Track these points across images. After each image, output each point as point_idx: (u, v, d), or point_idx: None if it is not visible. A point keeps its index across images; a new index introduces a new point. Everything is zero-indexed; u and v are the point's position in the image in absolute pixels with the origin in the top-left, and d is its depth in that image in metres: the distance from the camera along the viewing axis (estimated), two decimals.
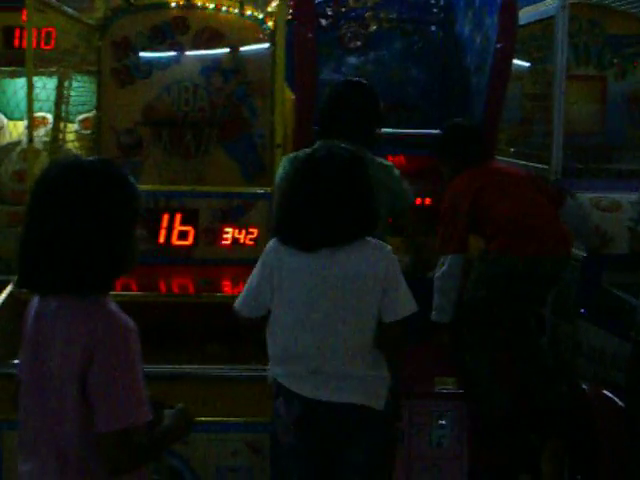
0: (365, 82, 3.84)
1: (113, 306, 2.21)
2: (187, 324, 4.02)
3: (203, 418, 3.60)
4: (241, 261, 4.12)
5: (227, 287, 4.19)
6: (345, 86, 3.85)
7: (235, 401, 3.73)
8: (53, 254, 2.14)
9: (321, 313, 3.02)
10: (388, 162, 3.79)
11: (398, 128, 4.82)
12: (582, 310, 4.61)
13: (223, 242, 4.40)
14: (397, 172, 3.76)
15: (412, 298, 3.08)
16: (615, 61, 5.76)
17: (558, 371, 4.43)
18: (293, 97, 4.59)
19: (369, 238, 3.08)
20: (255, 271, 3.15)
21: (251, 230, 4.40)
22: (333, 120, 3.70)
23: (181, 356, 3.93)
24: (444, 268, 4.21)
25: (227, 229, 4.40)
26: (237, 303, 3.17)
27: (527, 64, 5.58)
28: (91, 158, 2.33)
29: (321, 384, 3.05)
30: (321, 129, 3.74)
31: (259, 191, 4.50)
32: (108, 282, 2.24)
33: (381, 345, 3.08)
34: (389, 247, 3.11)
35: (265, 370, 3.26)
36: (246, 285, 3.18)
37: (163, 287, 4.24)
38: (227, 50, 4.92)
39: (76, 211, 2.14)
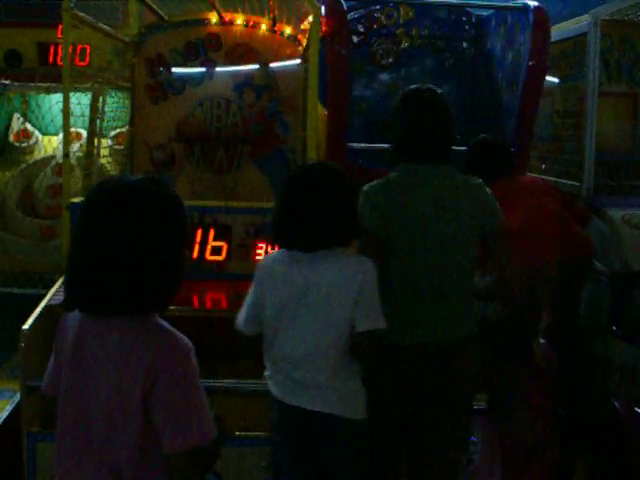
0: (438, 92, 3.62)
1: (169, 326, 2.21)
2: (220, 339, 4.04)
3: (237, 433, 3.64)
4: None
5: None
6: (425, 104, 3.52)
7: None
8: (108, 275, 2.12)
9: (299, 321, 3.08)
10: (477, 180, 3.70)
11: None
12: (614, 327, 4.61)
13: (256, 257, 4.39)
14: (488, 190, 3.69)
15: (382, 315, 3.12)
16: None
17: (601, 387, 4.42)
18: (325, 113, 4.61)
19: (354, 254, 3.16)
20: (250, 289, 3.23)
21: None
22: (417, 144, 3.54)
23: (214, 371, 3.95)
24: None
25: (260, 244, 4.42)
26: (238, 322, 3.24)
27: (558, 81, 5.58)
28: (141, 176, 2.29)
29: (297, 391, 3.12)
30: (402, 150, 3.65)
31: None
32: (164, 302, 2.24)
33: (351, 354, 3.14)
34: (368, 261, 3.14)
35: None
36: (244, 303, 3.24)
37: (196, 302, 4.26)
38: (259, 66, 4.97)
39: (130, 231, 2.13)
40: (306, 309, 3.07)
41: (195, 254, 4.40)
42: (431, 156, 3.49)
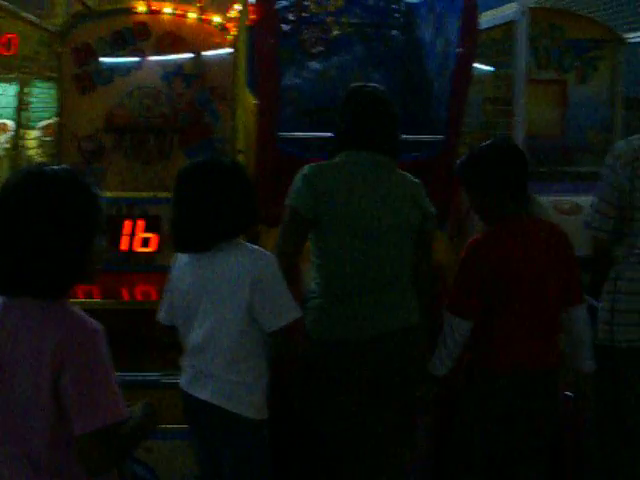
0: (383, 90, 3.75)
1: (77, 310, 2.26)
2: (150, 331, 4.00)
3: (168, 425, 3.61)
4: None
5: None
6: (369, 97, 3.68)
7: None
8: (11, 256, 2.19)
9: (200, 312, 3.14)
10: (416, 179, 3.69)
11: None
12: None
13: None
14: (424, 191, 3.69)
15: (295, 305, 3.14)
16: (575, 65, 5.81)
17: None
18: (255, 102, 4.58)
19: (254, 246, 3.19)
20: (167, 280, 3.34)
21: None
22: (360, 132, 3.58)
23: (145, 363, 3.92)
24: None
25: None
26: (158, 312, 3.37)
27: (488, 68, 5.61)
28: (55, 167, 2.35)
29: (195, 380, 3.19)
30: (344, 140, 3.62)
31: None
32: (64, 287, 2.28)
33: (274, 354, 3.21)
34: (269, 254, 3.17)
35: None
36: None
37: (126, 294, 4.22)
38: (189, 55, 4.91)
39: (35, 216, 2.19)
40: (207, 301, 3.11)
41: (124, 246, 4.36)
42: (375, 145, 3.51)
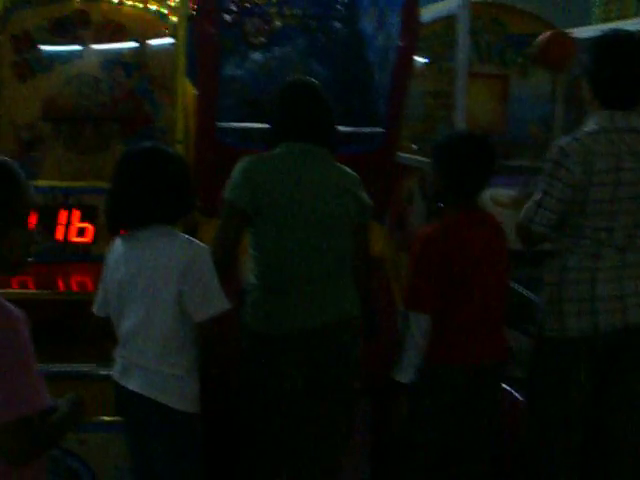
0: (317, 83, 3.76)
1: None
2: (86, 322, 3.97)
3: (102, 418, 3.60)
4: None
5: None
6: (303, 89, 3.71)
7: None
8: None
9: (131, 303, 3.14)
10: (352, 172, 3.68)
11: None
12: None
13: None
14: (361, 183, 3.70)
15: (224, 297, 3.15)
16: (517, 60, 5.86)
17: None
18: (195, 92, 4.56)
19: (186, 236, 3.20)
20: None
21: None
22: (295, 124, 3.59)
23: (80, 355, 3.88)
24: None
25: None
26: (93, 305, 3.35)
27: (430, 61, 5.64)
28: None
29: (126, 371, 3.19)
30: (281, 132, 3.62)
31: None
32: None
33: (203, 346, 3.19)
34: (201, 244, 3.19)
35: None
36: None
37: (61, 285, 4.18)
38: (129, 44, 4.86)
39: None
40: (137, 291, 3.09)
41: (59, 236, 4.31)
42: (312, 137, 3.52)
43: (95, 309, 3.34)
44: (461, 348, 3.66)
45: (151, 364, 3.12)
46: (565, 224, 3.73)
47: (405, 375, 3.64)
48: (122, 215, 3.22)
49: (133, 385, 3.14)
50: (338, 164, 3.62)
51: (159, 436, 3.14)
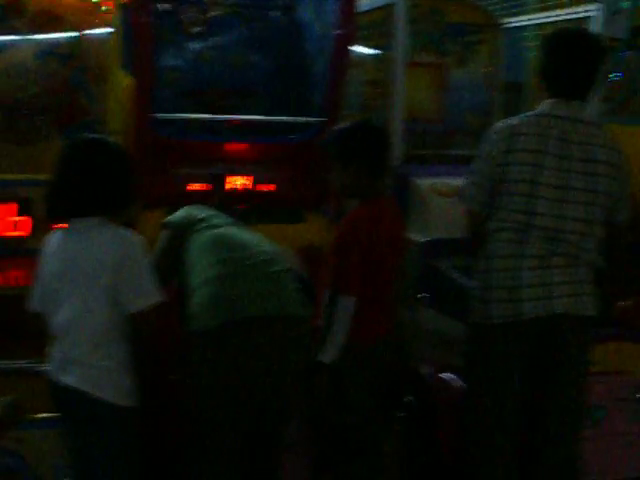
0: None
1: None
2: (22, 318, 3.91)
3: (39, 415, 3.55)
4: None
5: None
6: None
7: None
8: None
9: (64, 296, 3.13)
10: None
11: (239, 114, 4.79)
12: (424, 295, 4.70)
13: None
14: None
15: (155, 290, 3.16)
16: (455, 48, 5.88)
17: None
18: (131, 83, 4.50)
19: (120, 228, 3.20)
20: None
21: None
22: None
23: (16, 351, 3.83)
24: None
25: None
26: (28, 300, 3.32)
27: (369, 51, 5.63)
28: None
29: (59, 366, 3.19)
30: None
31: None
32: None
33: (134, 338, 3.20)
34: (136, 236, 3.20)
35: None
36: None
37: None
38: (64, 35, 4.78)
39: None
40: (70, 283, 3.08)
41: None
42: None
43: (31, 304, 3.32)
44: (374, 326, 3.87)
45: (85, 357, 3.10)
46: (492, 206, 3.81)
47: (328, 355, 3.73)
48: (61, 205, 3.23)
49: (68, 379, 3.13)
50: None
51: (94, 430, 3.13)
